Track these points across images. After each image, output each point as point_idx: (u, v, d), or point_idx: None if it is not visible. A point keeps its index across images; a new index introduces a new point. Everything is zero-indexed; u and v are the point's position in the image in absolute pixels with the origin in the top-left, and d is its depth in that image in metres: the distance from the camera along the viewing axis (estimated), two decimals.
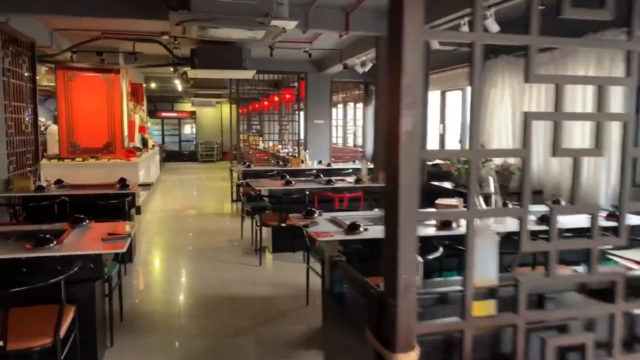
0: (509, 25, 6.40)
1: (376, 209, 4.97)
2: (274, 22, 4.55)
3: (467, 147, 1.45)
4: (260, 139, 16.55)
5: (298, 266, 5.83)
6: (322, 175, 7.10)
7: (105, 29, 7.58)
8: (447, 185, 6.37)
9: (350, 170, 8.84)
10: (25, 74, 6.57)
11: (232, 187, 10.29)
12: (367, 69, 8.51)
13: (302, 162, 9.21)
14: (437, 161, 7.35)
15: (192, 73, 8.65)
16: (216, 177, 15.85)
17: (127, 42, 8.35)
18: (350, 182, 6.59)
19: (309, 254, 4.58)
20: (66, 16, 5.87)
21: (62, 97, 9.09)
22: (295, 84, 12.65)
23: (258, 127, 16.66)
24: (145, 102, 14.70)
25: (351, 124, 13.18)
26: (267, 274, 5.79)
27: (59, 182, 6.13)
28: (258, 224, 6.15)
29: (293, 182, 6.32)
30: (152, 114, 21.89)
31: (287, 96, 13.34)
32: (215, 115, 23.15)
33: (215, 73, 8.68)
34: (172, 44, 8.40)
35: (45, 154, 9.17)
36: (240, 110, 13.46)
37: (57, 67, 8.94)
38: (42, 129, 10.52)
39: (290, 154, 11.69)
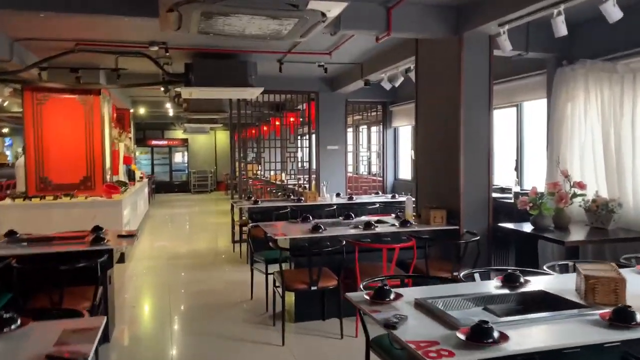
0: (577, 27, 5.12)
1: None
2: (313, 5, 3.11)
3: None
4: (258, 167, 15.10)
5: (336, 344, 4.29)
6: (352, 216, 5.62)
7: (79, 38, 6.15)
8: (521, 227, 4.90)
9: (377, 205, 7.38)
10: None
11: (233, 226, 8.76)
12: (397, 83, 7.12)
13: (319, 195, 7.72)
14: (503, 195, 5.92)
15: (187, 92, 7.23)
16: (211, 211, 14.29)
17: (108, 57, 6.91)
18: (393, 225, 5.11)
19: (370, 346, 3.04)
20: (19, 11, 4.41)
21: (30, 124, 7.59)
22: (300, 107, 11.28)
23: (255, 154, 15.24)
24: (132, 130, 13.23)
25: (363, 149, 11.73)
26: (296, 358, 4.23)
27: (11, 234, 4.59)
28: (277, 284, 4.63)
29: (323, 228, 4.82)
30: (140, 142, 20.43)
31: (292, 119, 11.93)
32: (209, 142, 21.72)
33: (214, 92, 7.26)
34: (163, 57, 6.98)
35: (8, 192, 7.65)
36: (236, 137, 12.06)
37: (24, 87, 7.47)
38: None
39: (299, 185, 10.20)
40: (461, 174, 5.03)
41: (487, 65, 5.09)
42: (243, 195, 9.42)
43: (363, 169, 11.42)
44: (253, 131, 17.15)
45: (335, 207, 7.22)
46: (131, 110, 12.96)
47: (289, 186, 10.36)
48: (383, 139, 10.21)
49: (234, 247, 8.39)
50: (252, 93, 7.36)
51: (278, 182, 11.93)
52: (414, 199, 5.72)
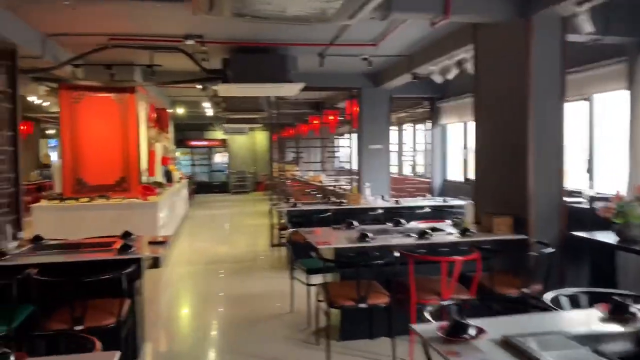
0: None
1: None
2: None
3: None
4: (297, 168, 14.71)
5: None
6: (402, 221, 5.07)
7: (112, 33, 5.85)
8: (601, 237, 4.24)
9: (427, 210, 6.78)
10: (2, 90, 4.84)
11: (272, 229, 8.35)
12: (451, 76, 6.52)
13: (361, 198, 7.20)
14: (572, 199, 5.24)
15: (224, 89, 6.85)
16: (250, 212, 13.98)
17: (143, 53, 6.62)
18: (451, 233, 4.54)
19: None
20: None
21: (66, 123, 7.41)
22: (340, 105, 10.79)
23: (295, 155, 14.84)
24: (171, 131, 13.07)
25: (406, 148, 11.08)
26: None
27: (36, 240, 4.28)
28: (320, 298, 4.14)
29: (370, 236, 4.30)
30: (181, 143, 20.42)
31: (331, 118, 11.44)
32: (248, 143, 21.53)
33: (252, 89, 6.85)
34: (199, 52, 6.63)
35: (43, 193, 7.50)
36: (274, 137, 11.69)
37: (60, 86, 7.28)
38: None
39: (339, 186, 9.70)
40: (530, 175, 4.40)
41: (559, 51, 4.44)
42: (282, 198, 9.00)
43: (407, 170, 10.80)
44: (291, 131, 16.82)
45: (380, 211, 6.68)
46: (170, 111, 12.79)
47: (329, 188, 9.87)
48: (430, 138, 9.57)
49: (273, 251, 7.97)
50: (292, 89, 6.91)
51: (317, 184, 11.49)
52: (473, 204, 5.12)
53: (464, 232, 4.45)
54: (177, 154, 20.11)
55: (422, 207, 6.91)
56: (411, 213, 6.72)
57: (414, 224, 5.20)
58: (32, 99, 9.28)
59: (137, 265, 3.83)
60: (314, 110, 12.69)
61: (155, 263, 7.17)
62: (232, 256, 8.09)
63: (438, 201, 7.42)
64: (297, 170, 14.50)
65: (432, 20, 4.49)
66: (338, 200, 7.28)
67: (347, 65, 8.18)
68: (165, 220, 8.12)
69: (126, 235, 4.50)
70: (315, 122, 14.09)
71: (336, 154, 9.61)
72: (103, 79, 7.06)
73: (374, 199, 7.18)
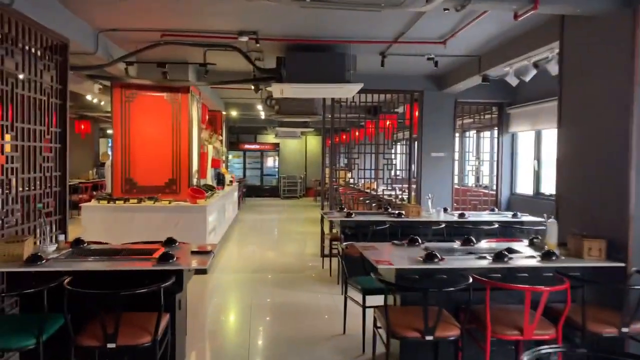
0: None
1: None
2: None
3: None
4: (350, 175, 14.21)
5: None
6: (473, 240, 4.48)
7: (165, 29, 5.61)
8: None
9: (497, 226, 6.13)
10: (50, 85, 4.66)
11: (323, 239, 7.92)
12: (528, 77, 5.87)
13: (422, 210, 6.63)
14: None
15: (278, 90, 6.49)
16: (300, 219, 13.63)
17: (196, 51, 6.37)
18: (531, 256, 3.92)
19: None
20: None
21: (118, 122, 7.28)
22: (398, 109, 10.23)
23: (347, 160, 14.35)
24: (224, 133, 12.94)
25: (468, 156, 10.34)
26: None
27: (76, 244, 4.03)
28: (378, 324, 3.65)
29: (439, 257, 3.76)
30: (234, 145, 20.45)
31: (388, 123, 10.89)
32: (300, 147, 21.29)
33: (308, 89, 6.44)
34: (254, 51, 6.31)
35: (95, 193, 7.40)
36: (328, 142, 11.27)
37: (114, 84, 7.17)
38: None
39: (396, 196, 9.15)
40: (631, 192, 3.73)
41: None
42: (334, 206, 8.55)
43: (470, 180, 10.08)
44: (344, 136, 16.34)
45: (442, 225, 6.10)
46: (223, 113, 12.67)
47: (384, 197, 9.33)
48: (498, 146, 8.84)
49: (323, 262, 7.53)
50: (350, 90, 6.46)
51: (371, 192, 10.97)
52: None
53: (546, 255, 3.83)
54: (230, 156, 20.14)
55: (490, 223, 6.26)
56: (478, 229, 6.11)
57: (485, 244, 4.61)
58: (90, 97, 9.33)
59: (177, 277, 3.48)
60: (369, 115, 12.18)
61: (203, 269, 6.88)
62: (280, 264, 7.71)
63: (507, 216, 6.74)
64: (350, 178, 14.05)
65: (516, 12, 3.91)
66: (396, 212, 6.74)
67: (409, 67, 7.66)
68: (214, 224, 7.86)
69: (169, 242, 4.19)
70: (370, 127, 13.60)
71: (392, 161, 9.04)
72: (155, 78, 6.88)
73: (435, 211, 6.59)
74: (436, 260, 3.74)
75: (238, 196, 14.73)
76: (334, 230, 7.30)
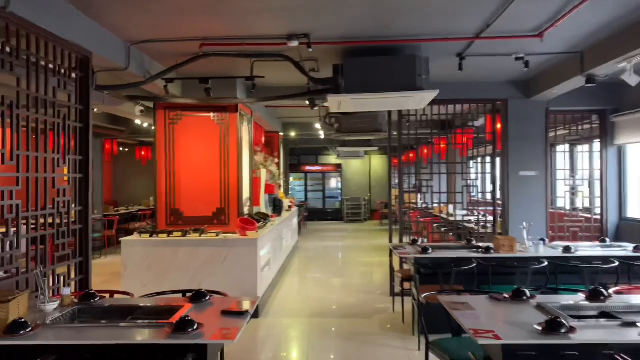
0: None
1: None
2: None
3: None
4: (419, 197, 12.96)
5: None
6: (606, 294, 3.24)
7: (204, 37, 4.84)
8: None
9: (616, 263, 4.77)
10: (67, 106, 3.97)
11: (392, 276, 6.83)
12: None
13: (515, 244, 5.37)
14: None
15: (335, 103, 5.53)
16: (365, 246, 12.52)
17: (243, 63, 5.58)
18: None
19: None
20: None
21: (162, 147, 6.62)
22: (474, 122, 8.99)
23: (416, 181, 13.10)
24: (281, 155, 12.19)
25: (560, 175, 8.81)
26: None
27: (86, 299, 3.22)
28: None
29: (567, 328, 2.58)
30: (295, 168, 19.78)
31: (465, 139, 9.63)
32: (363, 168, 20.26)
33: (371, 101, 5.43)
34: (307, 60, 5.43)
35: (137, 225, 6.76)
36: (394, 161, 10.21)
37: (157, 105, 6.54)
38: None
39: (477, 222, 7.87)
40: None
41: None
42: (404, 234, 7.42)
43: (563, 203, 8.57)
44: (411, 154, 15.14)
45: (545, 263, 4.84)
46: (281, 134, 11.94)
47: (462, 223, 8.06)
48: (601, 162, 7.37)
49: (394, 303, 6.40)
50: (422, 99, 5.39)
51: (444, 216, 9.73)
52: None
53: None
54: (291, 179, 19.47)
55: (606, 260, 4.91)
56: (590, 267, 4.80)
57: (618, 296, 3.35)
58: (139, 121, 8.85)
59: (198, 351, 2.56)
60: (440, 131, 10.98)
61: (255, 313, 5.97)
62: (343, 306, 6.65)
63: (627, 249, 5.34)
64: (421, 200, 12.83)
65: None
66: (482, 246, 5.53)
67: (491, 71, 6.50)
68: (267, 257, 6.98)
69: (198, 297, 3.28)
70: (441, 144, 12.37)
71: (469, 182, 7.80)
72: (200, 96, 6.16)
73: (533, 244, 5.32)
74: (563, 330, 2.57)
75: (299, 221, 13.89)
76: (406, 266, 6.18)
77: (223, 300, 3.32)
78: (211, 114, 6.58)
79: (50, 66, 3.72)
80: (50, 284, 3.68)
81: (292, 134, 12.50)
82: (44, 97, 3.65)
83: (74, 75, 4.03)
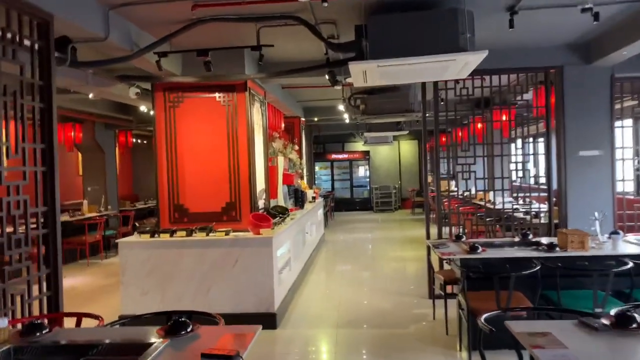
0: None
1: None
2: None
3: None
4: (454, 183, 11.89)
5: None
6: None
7: None
8: None
9: None
10: (19, 81, 3.16)
11: (430, 276, 5.90)
12: None
13: (587, 240, 4.33)
14: None
15: (359, 72, 4.55)
16: (397, 238, 11.55)
17: (247, 29, 4.69)
18: None
19: None
20: None
21: (163, 134, 5.80)
22: (522, 96, 7.88)
23: (451, 165, 12.00)
24: (303, 142, 11.28)
25: (626, 153, 7.56)
26: None
27: (30, 333, 2.40)
28: None
29: None
30: (320, 156, 18.88)
31: (504, 118, 8.53)
32: (393, 154, 19.19)
33: (401, 69, 4.45)
34: (325, 22, 4.50)
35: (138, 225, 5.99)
36: (427, 145, 9.20)
37: (155, 86, 5.71)
38: None
39: (527, 211, 6.82)
40: None
41: None
42: (442, 226, 6.44)
43: (626, 187, 7.37)
44: (443, 138, 14.06)
45: (629, 264, 3.82)
46: (302, 119, 11.03)
47: (509, 213, 7.00)
48: None
49: (434, 308, 5.45)
50: (465, 65, 4.37)
51: (486, 204, 8.70)
52: None
53: None
54: (316, 168, 18.59)
55: None
56: None
57: None
58: (144, 108, 8.08)
59: None
60: (477, 109, 9.87)
61: (271, 320, 5.14)
62: (375, 312, 5.75)
63: None
64: (455, 187, 11.76)
65: None
66: (543, 242, 4.52)
67: (543, 33, 5.45)
68: (286, 257, 6.12)
69: (177, 328, 2.42)
70: (479, 124, 11.24)
71: (518, 165, 6.74)
72: (202, 74, 5.30)
73: (610, 240, 4.29)
74: None
75: (325, 212, 13.01)
76: (448, 267, 5.22)
77: (211, 332, 2.45)
78: (216, 94, 5.72)
79: None
80: None
81: (315, 118, 11.58)
82: None
83: (27, 42, 3.20)
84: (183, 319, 2.45)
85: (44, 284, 3.32)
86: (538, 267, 3.88)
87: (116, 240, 5.45)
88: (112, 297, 6.35)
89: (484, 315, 2.71)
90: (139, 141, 13.75)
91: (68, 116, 9.52)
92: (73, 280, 7.83)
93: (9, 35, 3.05)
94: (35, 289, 3.25)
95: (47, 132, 3.36)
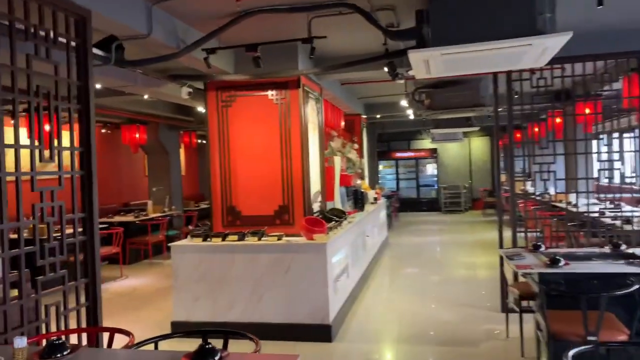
0: None
1: None
2: None
3: None
4: (530, 183, 10.97)
5: None
6: None
7: None
8: None
9: None
10: (54, 81, 3.01)
11: (504, 288, 5.31)
12: None
13: None
14: None
15: (420, 63, 4.09)
16: (466, 242, 10.85)
17: (297, 21, 4.37)
18: None
19: None
20: None
21: (215, 135, 5.62)
22: (607, 89, 7.03)
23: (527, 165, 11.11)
24: (365, 140, 10.86)
25: None
26: None
27: (51, 354, 2.19)
28: None
29: None
30: (384, 155, 18.34)
31: (587, 111, 7.66)
32: (462, 151, 18.27)
33: (469, 57, 3.95)
34: (383, 9, 4.10)
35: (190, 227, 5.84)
36: (500, 142, 8.45)
37: (208, 85, 5.53)
38: None
39: (615, 216, 6.02)
40: None
41: None
42: (517, 229, 5.80)
43: None
44: (518, 134, 13.12)
45: None
46: (363, 116, 10.61)
47: (595, 217, 6.20)
48: None
49: (507, 324, 4.86)
50: (544, 50, 3.78)
51: (569, 207, 7.86)
52: None
53: None
54: (380, 167, 18.08)
55: None
56: None
57: None
58: (203, 108, 7.99)
59: None
60: (554, 103, 8.99)
61: (326, 333, 4.79)
62: (441, 326, 5.24)
63: None
64: (531, 187, 10.86)
65: None
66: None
67: (635, 13, 4.68)
68: (342, 265, 5.76)
69: (203, 355, 2.11)
70: (557, 119, 10.32)
71: (600, 164, 5.96)
72: (254, 71, 5.05)
73: None
74: None
75: (389, 213, 12.51)
76: (523, 279, 4.62)
77: None
78: (269, 92, 5.45)
79: (25, 28, 2.76)
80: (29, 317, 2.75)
81: (377, 115, 11.12)
82: (11, 68, 2.69)
83: (63, 40, 3.04)
84: (210, 347, 2.14)
85: (83, 295, 3.17)
86: (636, 287, 3.25)
87: (168, 244, 5.32)
88: (168, 301, 6.25)
89: (572, 352, 2.20)
90: (203, 142, 13.94)
91: (132, 118, 9.71)
92: (135, 281, 7.91)
93: (42, 33, 2.89)
94: (72, 299, 3.09)
95: (85, 135, 3.20)
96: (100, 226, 8.37)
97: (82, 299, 3.17)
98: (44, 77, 2.92)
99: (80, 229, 3.16)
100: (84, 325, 3.15)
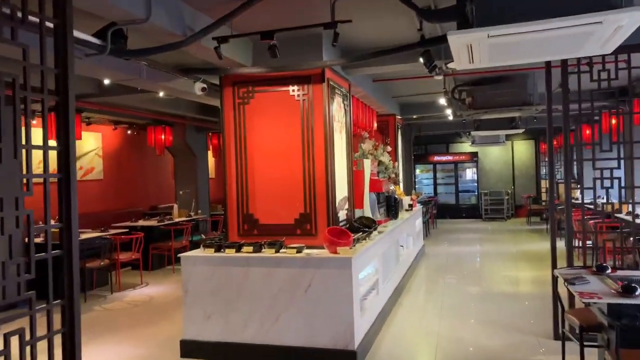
0: None
1: None
2: None
3: None
4: (578, 190, 10.04)
5: None
6: None
7: None
8: None
9: None
10: (24, 66, 2.55)
11: (557, 311, 4.57)
12: None
13: None
14: None
15: (462, 48, 3.41)
16: (510, 253, 9.99)
17: (319, 4, 3.80)
18: None
19: None
20: None
21: (232, 135, 5.11)
22: None
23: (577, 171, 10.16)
24: (399, 142, 10.17)
25: None
26: None
27: None
28: None
29: None
30: (421, 158, 17.56)
31: None
32: (505, 155, 17.29)
33: (519, 38, 3.27)
34: None
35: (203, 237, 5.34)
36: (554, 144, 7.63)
37: (223, 80, 5.04)
38: None
39: None
40: None
41: None
42: (572, 239, 5.04)
43: None
44: (562, 137, 12.16)
45: None
46: (398, 117, 9.94)
47: None
48: None
49: (563, 356, 4.13)
50: (617, 29, 3.08)
51: (625, 217, 6.99)
52: None
53: None
54: (417, 171, 17.33)
55: None
56: None
57: None
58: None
59: None
60: (611, 102, 8.09)
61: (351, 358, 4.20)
62: (483, 355, 4.55)
63: None
64: (579, 193, 9.93)
65: None
66: None
67: None
68: (371, 281, 5.15)
69: None
70: (613, 121, 9.41)
71: None
72: (273, 64, 4.52)
73: None
74: None
75: (425, 220, 11.78)
76: (586, 304, 3.89)
77: None
78: (290, 88, 4.90)
79: None
80: None
81: (413, 116, 10.43)
82: None
83: (33, 19, 2.58)
84: None
85: (53, 320, 2.68)
86: None
87: (178, 255, 4.85)
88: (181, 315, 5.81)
89: None
90: None
91: (158, 119, 9.39)
92: (154, 289, 7.52)
93: (6, 10, 2.44)
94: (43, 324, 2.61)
95: (63, 132, 2.72)
96: (121, 231, 8.19)
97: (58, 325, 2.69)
98: (9, 62, 2.45)
99: (57, 242, 2.69)
100: (57, 356, 2.66)
